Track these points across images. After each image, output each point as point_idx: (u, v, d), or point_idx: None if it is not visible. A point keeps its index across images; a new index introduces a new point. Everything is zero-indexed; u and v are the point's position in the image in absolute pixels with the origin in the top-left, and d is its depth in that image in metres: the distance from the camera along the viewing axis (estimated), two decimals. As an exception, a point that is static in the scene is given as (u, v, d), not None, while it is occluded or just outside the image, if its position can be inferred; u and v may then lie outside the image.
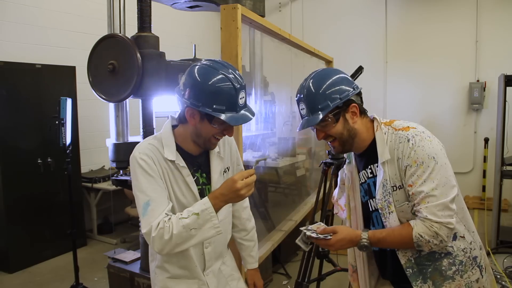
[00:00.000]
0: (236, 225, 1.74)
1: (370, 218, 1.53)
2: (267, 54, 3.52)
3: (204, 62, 1.38)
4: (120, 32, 2.73)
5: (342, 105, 1.40)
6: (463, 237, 1.41)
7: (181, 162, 1.45)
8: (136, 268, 2.73)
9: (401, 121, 1.45)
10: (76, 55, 4.52)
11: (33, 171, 4.04)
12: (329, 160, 2.70)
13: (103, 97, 2.48)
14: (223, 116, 1.32)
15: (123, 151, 2.65)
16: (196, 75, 1.35)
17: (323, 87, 1.40)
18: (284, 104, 4.14)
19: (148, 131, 2.52)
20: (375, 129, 1.45)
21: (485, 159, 5.83)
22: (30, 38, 4.39)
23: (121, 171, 2.76)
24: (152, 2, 2.56)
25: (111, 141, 2.70)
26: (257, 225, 1.83)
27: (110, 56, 2.41)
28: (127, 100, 2.57)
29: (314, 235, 1.39)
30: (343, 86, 1.41)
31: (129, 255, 2.91)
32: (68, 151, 3.09)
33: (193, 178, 1.49)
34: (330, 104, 1.38)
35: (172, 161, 1.43)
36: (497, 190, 4.14)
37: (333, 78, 1.42)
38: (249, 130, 3.67)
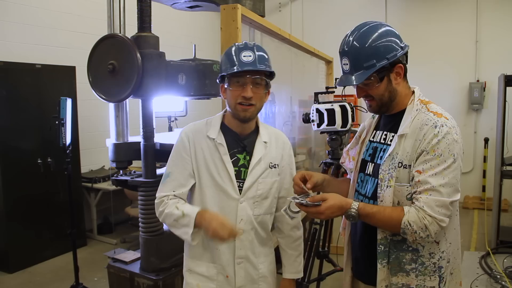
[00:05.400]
0: (281, 231, 1.73)
1: (359, 177, 1.53)
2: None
3: None
4: (120, 32, 2.73)
5: (387, 66, 1.34)
6: (438, 243, 1.37)
7: (220, 140, 1.54)
8: (136, 268, 2.72)
9: (439, 107, 1.40)
10: (76, 55, 4.52)
11: (33, 171, 4.04)
12: (329, 160, 2.69)
13: (103, 97, 2.48)
14: (228, 68, 1.47)
15: (123, 151, 2.64)
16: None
17: (370, 43, 1.32)
18: (284, 104, 4.13)
19: (148, 131, 2.51)
20: (409, 102, 1.41)
21: (485, 159, 5.84)
22: (30, 38, 4.39)
23: (121, 171, 2.76)
24: (152, 2, 2.56)
25: (111, 141, 2.69)
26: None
27: (110, 56, 2.40)
28: (127, 100, 2.57)
29: (304, 202, 1.36)
30: (392, 44, 1.34)
31: (129, 255, 2.90)
32: (68, 151, 3.09)
33: (233, 158, 1.55)
34: (377, 63, 1.31)
35: (213, 139, 1.54)
36: (497, 190, 4.15)
37: (382, 34, 1.34)
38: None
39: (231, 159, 1.54)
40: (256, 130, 1.62)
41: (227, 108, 1.58)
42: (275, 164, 1.61)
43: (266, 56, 1.52)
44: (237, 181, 1.54)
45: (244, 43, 1.52)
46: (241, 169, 1.56)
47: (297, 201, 1.37)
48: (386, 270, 1.40)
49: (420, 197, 1.29)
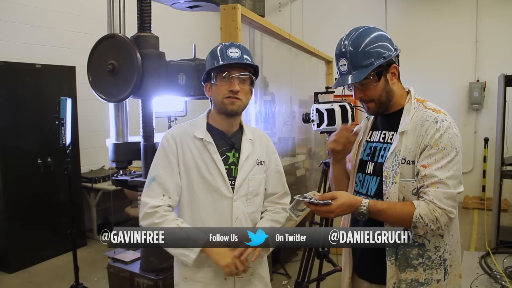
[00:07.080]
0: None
1: (357, 177, 1.54)
2: (267, 54, 3.52)
3: None
4: (120, 32, 2.73)
5: (384, 65, 1.39)
6: (442, 236, 1.40)
7: (209, 139, 1.54)
8: (136, 268, 2.73)
9: (435, 104, 1.45)
10: (76, 55, 4.51)
11: (33, 171, 4.04)
12: (329, 160, 2.69)
13: (103, 97, 2.48)
14: (214, 64, 1.48)
15: (123, 151, 2.64)
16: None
17: (367, 43, 1.38)
18: (284, 104, 4.14)
19: (148, 131, 2.52)
20: (406, 101, 1.46)
21: (485, 159, 5.83)
22: (30, 38, 4.38)
23: (121, 171, 2.76)
24: (152, 2, 2.56)
25: (111, 141, 2.69)
26: (257, 225, 1.81)
27: (110, 56, 2.41)
28: (127, 100, 2.57)
29: (314, 201, 1.32)
30: (386, 45, 1.40)
31: (129, 255, 2.90)
32: (68, 151, 3.08)
33: (222, 156, 1.55)
34: (375, 62, 1.36)
35: (201, 139, 1.54)
36: (497, 190, 4.15)
37: (377, 36, 1.40)
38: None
39: (221, 157, 1.55)
40: (241, 129, 1.64)
41: (211, 107, 1.60)
42: (261, 161, 1.63)
43: (251, 55, 1.56)
44: (228, 179, 1.55)
45: (230, 42, 1.55)
46: (231, 167, 1.57)
47: (306, 200, 1.34)
48: (395, 267, 1.41)
49: (428, 191, 1.32)
